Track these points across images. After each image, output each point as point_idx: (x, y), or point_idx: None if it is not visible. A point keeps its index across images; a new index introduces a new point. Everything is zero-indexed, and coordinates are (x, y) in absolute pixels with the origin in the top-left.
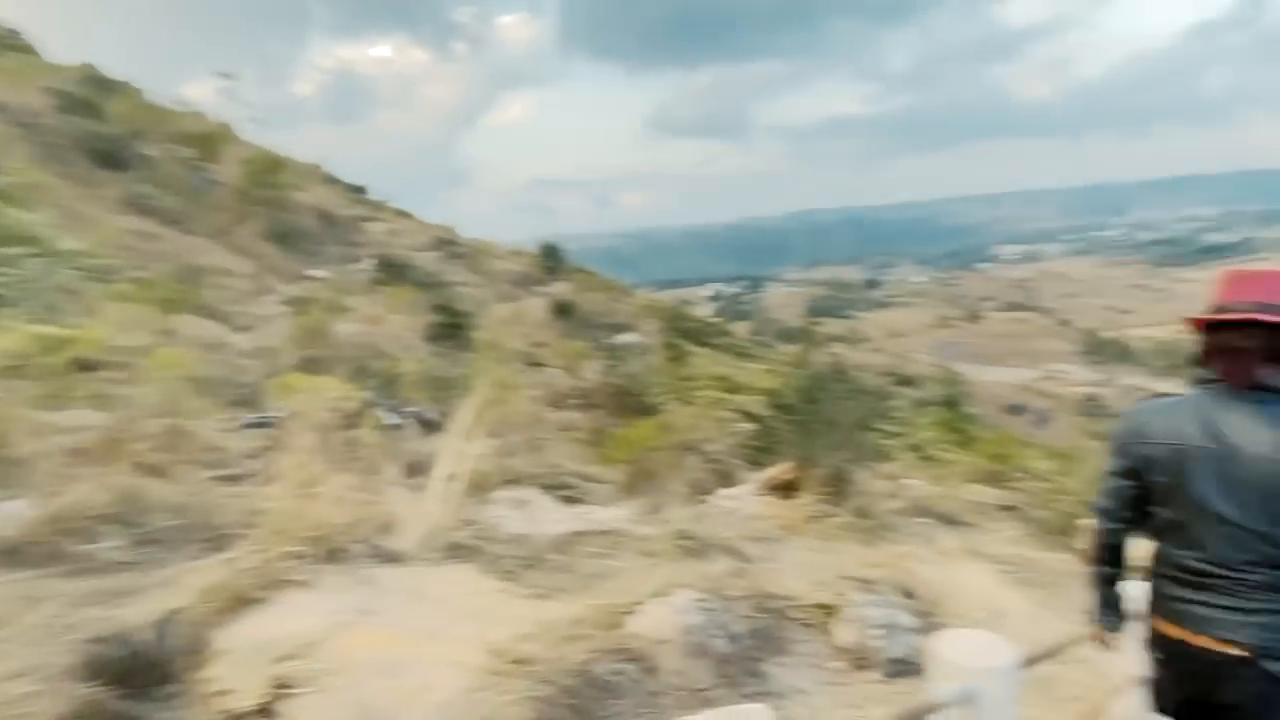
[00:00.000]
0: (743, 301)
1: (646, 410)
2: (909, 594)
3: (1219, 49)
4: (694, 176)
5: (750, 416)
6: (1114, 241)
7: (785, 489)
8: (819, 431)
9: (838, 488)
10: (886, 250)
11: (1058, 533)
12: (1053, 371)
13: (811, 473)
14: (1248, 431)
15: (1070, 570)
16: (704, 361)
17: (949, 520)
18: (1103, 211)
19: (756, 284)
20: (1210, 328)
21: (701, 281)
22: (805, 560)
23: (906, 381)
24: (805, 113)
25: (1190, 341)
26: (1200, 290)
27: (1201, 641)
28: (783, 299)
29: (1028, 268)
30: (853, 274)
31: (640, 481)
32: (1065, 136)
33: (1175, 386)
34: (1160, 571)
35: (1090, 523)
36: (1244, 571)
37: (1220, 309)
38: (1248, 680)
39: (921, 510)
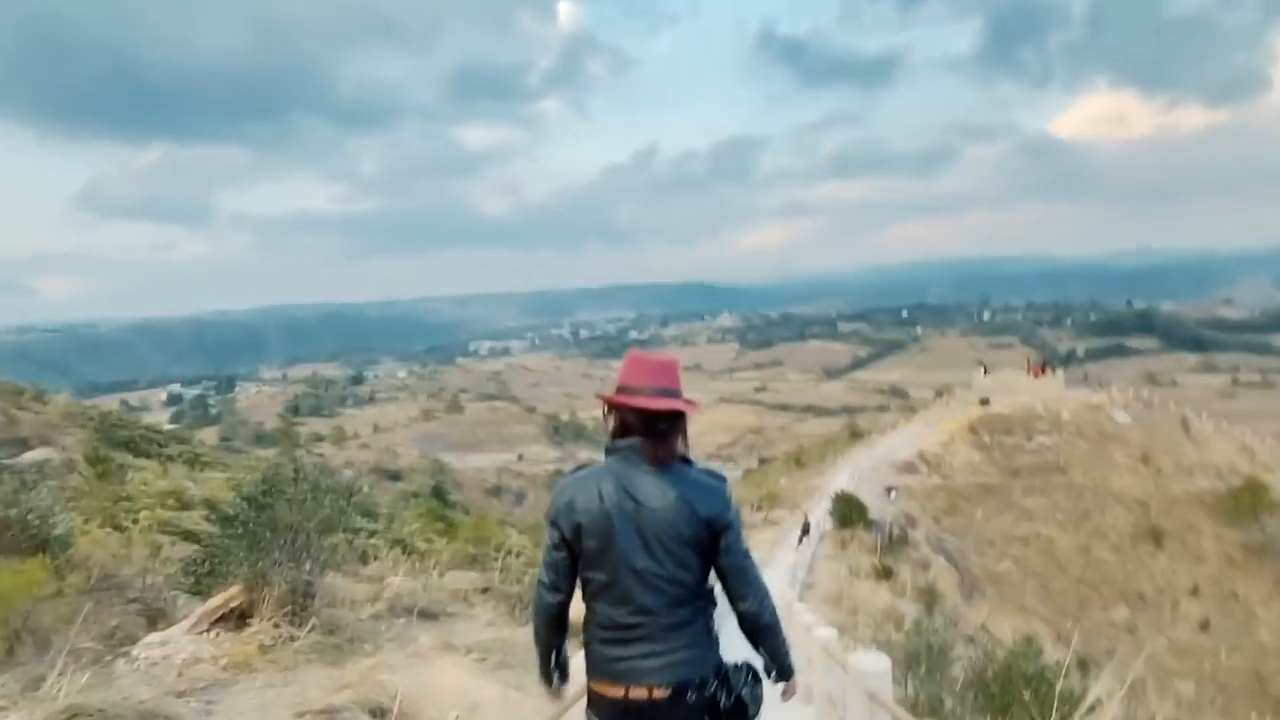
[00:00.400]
0: (210, 404)
1: (44, 546)
2: (379, 711)
3: (625, 186)
4: (144, 264)
5: (194, 536)
6: (563, 339)
7: (237, 618)
8: (272, 543)
9: (300, 604)
10: (368, 347)
11: (530, 606)
12: (525, 452)
13: (266, 593)
14: (652, 491)
15: None
16: (150, 476)
17: (430, 614)
18: (553, 313)
19: (226, 384)
20: (624, 405)
21: (156, 383)
22: (257, 703)
23: (395, 476)
24: (275, 205)
25: (602, 415)
26: None
27: (636, 693)
28: (259, 400)
29: (499, 361)
30: (335, 371)
31: (17, 647)
32: (520, 248)
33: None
34: (594, 635)
35: (532, 597)
36: (662, 615)
37: (623, 389)
38: (676, 715)
39: (402, 609)
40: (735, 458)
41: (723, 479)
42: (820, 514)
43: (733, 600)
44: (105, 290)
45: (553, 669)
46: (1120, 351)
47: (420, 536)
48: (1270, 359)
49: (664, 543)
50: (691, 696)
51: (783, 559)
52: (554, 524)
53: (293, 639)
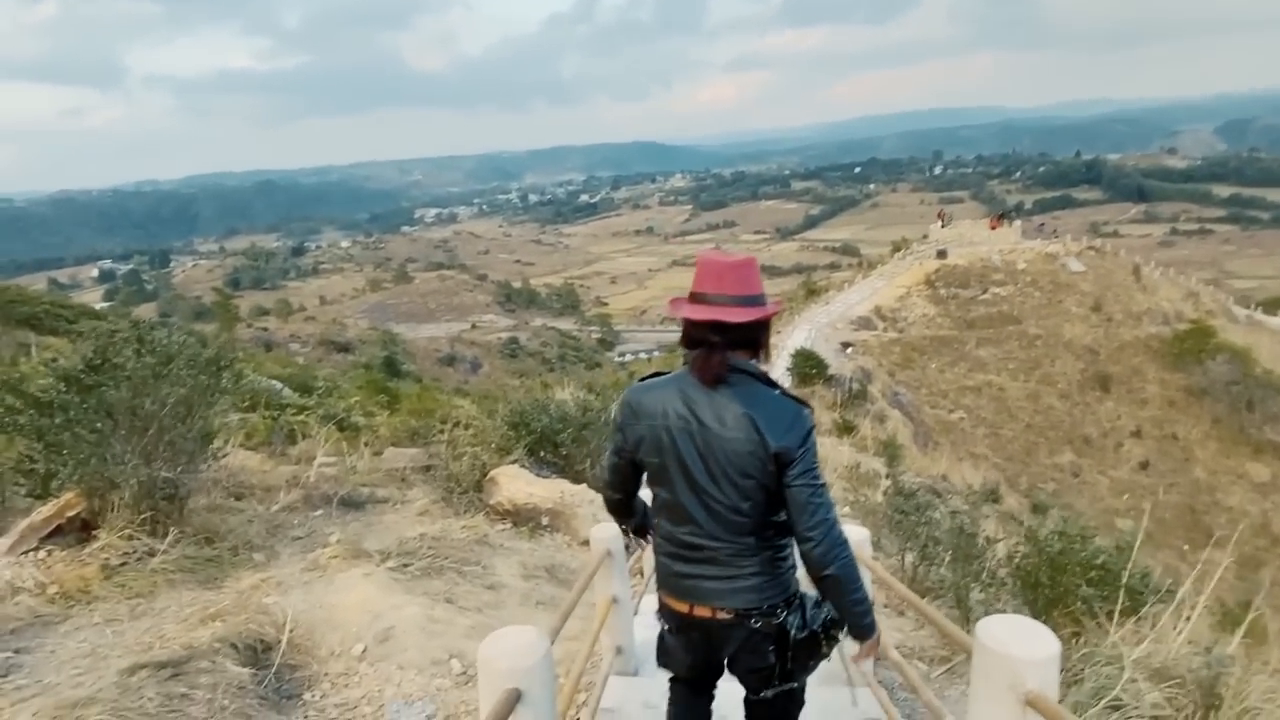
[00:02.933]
0: (145, 279)
1: None
2: (261, 647)
3: (569, 38)
4: (56, 132)
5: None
6: (511, 204)
7: (78, 531)
8: (109, 434)
9: (163, 509)
10: (307, 216)
11: (472, 489)
12: (478, 321)
13: (114, 498)
14: (719, 414)
15: (478, 539)
16: (53, 354)
17: (354, 502)
18: (500, 177)
19: (160, 258)
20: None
21: (84, 260)
22: (87, 647)
23: (344, 348)
24: (194, 64)
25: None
26: (579, 243)
27: (701, 612)
28: (196, 273)
29: (446, 229)
30: (275, 242)
31: None
32: (462, 108)
33: (571, 324)
34: (661, 548)
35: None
36: (726, 543)
37: (696, 297)
38: (737, 638)
39: (321, 498)
40: None
41: (807, 407)
42: (780, 371)
43: (797, 539)
44: (15, 161)
45: (629, 533)
46: (1067, 202)
47: (359, 410)
48: (1209, 208)
49: (726, 472)
50: (756, 622)
51: None
52: (617, 430)
53: (151, 554)
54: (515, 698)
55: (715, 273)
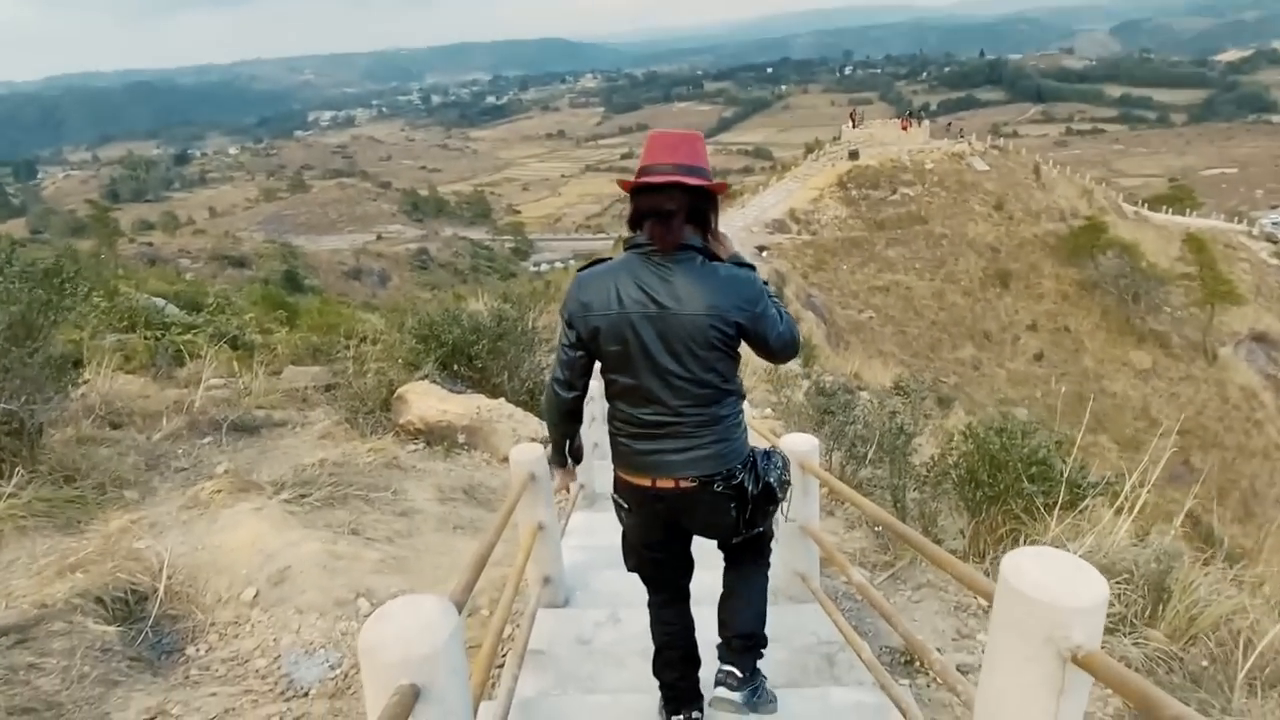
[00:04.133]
0: (9, 193)
1: None
2: (135, 598)
3: None
4: None
5: None
6: (413, 106)
7: None
8: None
9: (10, 447)
10: (189, 120)
11: (379, 408)
12: (384, 232)
13: None
14: (677, 290)
15: (387, 462)
16: None
17: (248, 427)
18: (399, 77)
19: (26, 170)
20: (637, 191)
21: None
22: None
23: (240, 263)
24: None
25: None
26: (488, 148)
27: (664, 483)
28: (68, 185)
29: (343, 133)
30: (154, 150)
31: None
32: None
33: (483, 234)
34: (620, 430)
35: (545, 394)
36: (688, 416)
37: (645, 171)
38: (702, 503)
39: (209, 424)
40: (605, 227)
41: (751, 267)
42: None
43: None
44: None
45: (566, 454)
46: (971, 103)
47: (255, 328)
48: (1103, 108)
49: (689, 347)
50: (718, 486)
51: None
52: (570, 325)
53: (3, 497)
54: (412, 696)
55: (669, 144)
